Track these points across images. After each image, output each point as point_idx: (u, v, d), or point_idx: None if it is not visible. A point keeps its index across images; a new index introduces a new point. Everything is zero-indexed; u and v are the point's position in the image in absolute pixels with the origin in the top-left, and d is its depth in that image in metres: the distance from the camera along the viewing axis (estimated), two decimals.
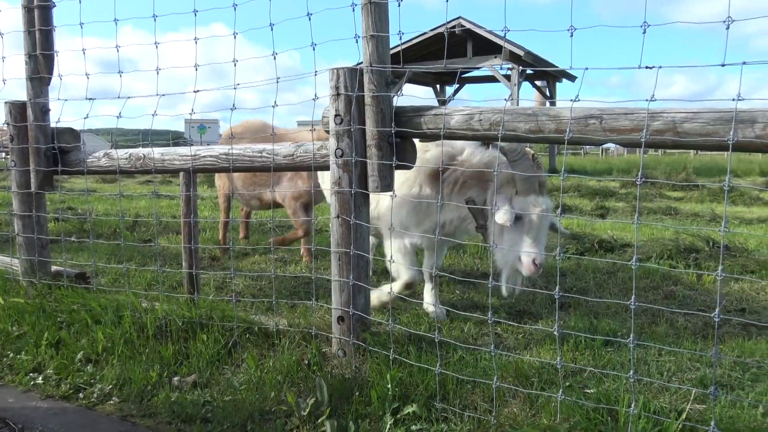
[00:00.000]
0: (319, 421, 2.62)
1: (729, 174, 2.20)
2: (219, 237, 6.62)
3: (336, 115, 3.06)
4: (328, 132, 3.16)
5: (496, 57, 19.28)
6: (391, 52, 3.10)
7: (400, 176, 3.61)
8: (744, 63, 2.15)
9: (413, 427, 2.56)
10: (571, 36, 2.42)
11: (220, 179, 6.39)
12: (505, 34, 2.63)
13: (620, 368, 3.08)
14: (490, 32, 18.56)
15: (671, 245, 5.98)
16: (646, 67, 2.31)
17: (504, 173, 3.38)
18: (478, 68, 20.63)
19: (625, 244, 6.35)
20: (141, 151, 4.01)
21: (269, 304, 4.14)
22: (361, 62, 3.07)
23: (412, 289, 3.94)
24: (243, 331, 3.46)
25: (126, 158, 4.02)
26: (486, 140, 3.14)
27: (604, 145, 2.99)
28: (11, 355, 3.55)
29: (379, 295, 3.77)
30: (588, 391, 2.74)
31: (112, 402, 2.99)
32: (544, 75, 22.92)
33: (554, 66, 20.23)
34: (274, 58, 3.35)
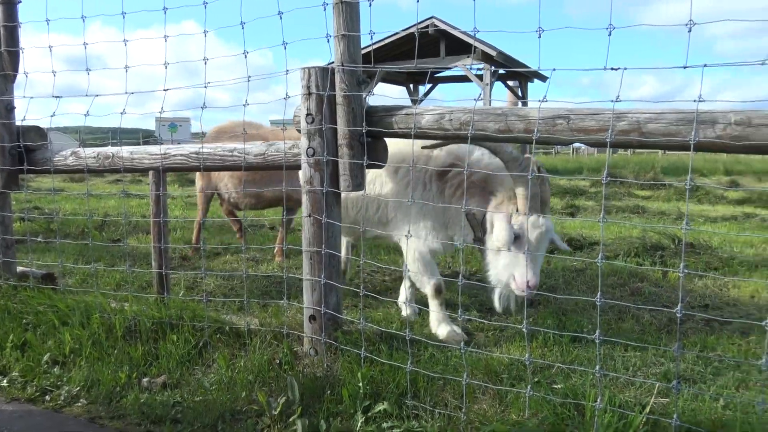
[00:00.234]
0: (291, 420, 2.62)
1: (690, 173, 2.26)
2: (193, 237, 6.42)
3: (308, 114, 3.06)
4: (299, 131, 3.16)
5: (468, 57, 19.39)
6: (365, 51, 3.12)
7: (404, 179, 3.62)
8: (705, 65, 2.21)
9: (384, 425, 2.58)
10: (539, 37, 2.47)
11: (201, 179, 6.06)
12: (474, 34, 2.67)
13: (587, 364, 3.14)
14: (463, 32, 18.67)
15: (638, 243, 6.11)
16: (612, 69, 2.36)
17: (506, 188, 3.30)
18: (450, 68, 20.71)
19: (593, 242, 6.46)
20: (109, 149, 3.96)
21: (241, 304, 4.12)
22: (333, 61, 3.08)
23: (443, 293, 3.76)
24: (214, 331, 3.44)
25: (94, 157, 3.96)
26: (456, 140, 3.13)
27: (575, 145, 3.03)
28: None
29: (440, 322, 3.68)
30: (556, 386, 2.79)
31: (79, 404, 2.95)
32: (516, 75, 23.12)
33: (525, 66, 20.42)
34: (245, 57, 3.34)
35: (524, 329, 2.49)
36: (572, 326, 3.76)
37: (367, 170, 3.17)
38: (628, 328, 3.83)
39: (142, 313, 3.57)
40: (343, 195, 3.23)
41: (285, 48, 3.14)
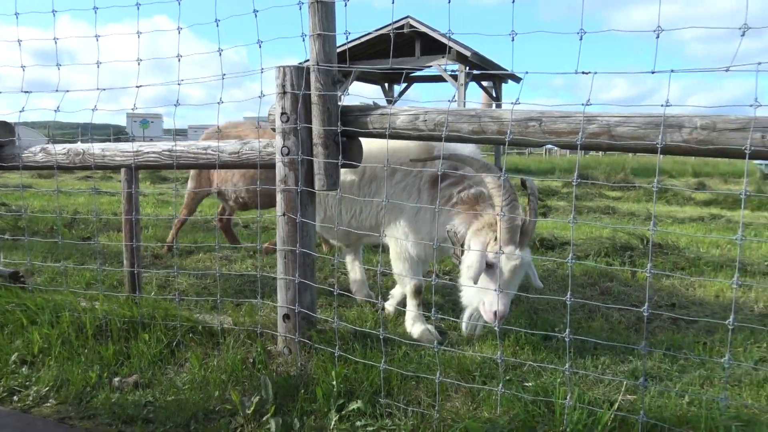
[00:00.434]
0: (264, 419, 2.62)
1: (657, 176, 2.32)
2: (170, 234, 6.20)
3: (282, 113, 3.06)
4: (274, 130, 3.16)
5: (443, 57, 19.48)
6: (340, 49, 3.12)
7: (400, 183, 3.60)
8: (672, 71, 2.27)
9: (358, 423, 2.60)
10: (513, 40, 2.50)
11: (196, 179, 5.68)
12: (449, 36, 2.69)
13: (558, 362, 3.20)
14: (437, 32, 18.75)
15: (608, 243, 6.22)
16: (583, 73, 2.41)
17: (491, 213, 3.22)
18: (425, 68, 20.79)
19: (565, 243, 6.56)
20: (80, 146, 3.90)
21: (214, 303, 4.10)
22: (308, 60, 3.08)
23: (422, 294, 3.79)
24: (187, 330, 3.42)
25: (64, 153, 3.90)
26: (431, 140, 3.14)
27: (547, 146, 3.06)
28: None
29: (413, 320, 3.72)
30: (527, 384, 2.83)
31: (49, 404, 2.91)
32: (490, 76, 23.31)
33: (500, 67, 20.60)
34: (220, 54, 3.32)
35: (496, 327, 2.53)
36: (543, 325, 3.81)
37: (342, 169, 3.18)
38: (598, 326, 3.90)
39: (113, 312, 3.53)
40: (335, 198, 3.20)
41: (260, 46, 3.13)
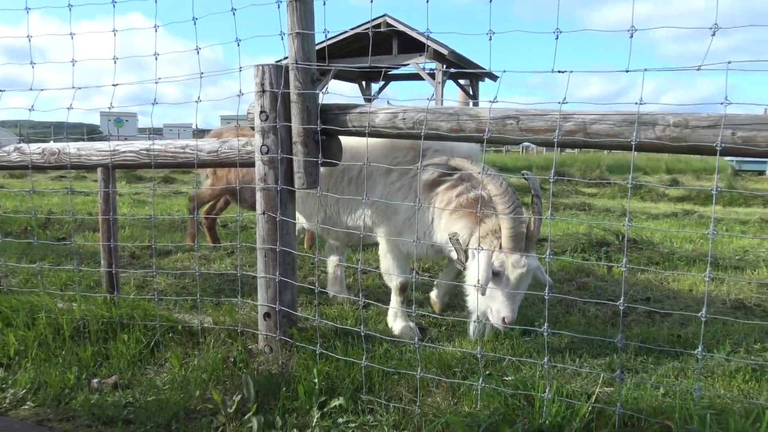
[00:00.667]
0: (246, 417, 2.62)
1: (632, 172, 2.37)
2: (187, 236, 6.23)
3: (261, 112, 3.05)
4: (253, 128, 3.15)
5: (420, 55, 19.54)
6: (318, 47, 3.12)
7: (395, 183, 3.56)
8: (645, 70, 2.32)
9: (340, 420, 2.61)
10: (490, 39, 2.53)
11: (212, 177, 5.68)
12: (427, 36, 2.72)
13: (536, 356, 3.24)
14: (414, 30, 18.81)
15: (584, 239, 6.31)
16: (559, 71, 2.45)
17: (492, 220, 3.17)
18: (403, 66, 20.83)
19: (542, 239, 6.62)
20: (55, 145, 3.85)
21: (193, 302, 4.08)
22: (286, 57, 3.08)
23: (407, 292, 3.77)
24: (166, 330, 3.40)
25: (39, 153, 3.85)
26: (410, 138, 3.15)
27: (524, 143, 3.08)
28: None
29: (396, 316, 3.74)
30: (507, 378, 2.87)
31: (26, 407, 2.87)
32: (467, 74, 23.43)
33: (477, 65, 20.71)
34: (198, 53, 3.30)
35: (476, 323, 2.56)
36: (522, 320, 3.86)
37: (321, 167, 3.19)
38: (575, 321, 3.96)
39: (90, 312, 3.50)
40: (335, 198, 3.15)
41: (238, 45, 3.12)
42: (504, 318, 3.07)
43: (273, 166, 3.08)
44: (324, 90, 3.11)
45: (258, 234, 3.19)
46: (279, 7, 2.99)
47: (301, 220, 4.21)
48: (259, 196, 3.15)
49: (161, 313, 3.51)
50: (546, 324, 2.44)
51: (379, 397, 2.73)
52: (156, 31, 3.40)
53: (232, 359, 3.11)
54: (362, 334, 2.84)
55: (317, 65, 3.06)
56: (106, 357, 3.27)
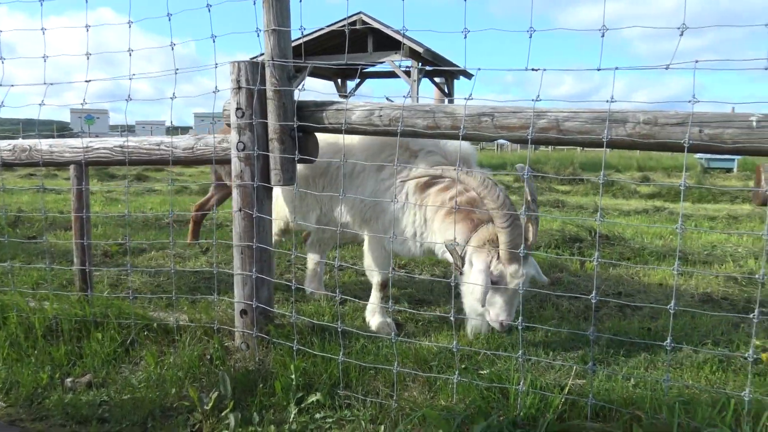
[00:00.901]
0: (223, 414, 2.62)
1: (603, 169, 2.42)
2: (189, 233, 6.22)
3: (237, 109, 3.05)
4: (229, 125, 3.15)
5: (396, 53, 19.58)
6: (294, 44, 3.12)
7: (386, 181, 3.52)
8: (616, 68, 2.37)
9: (317, 415, 2.63)
10: (465, 37, 2.57)
11: (215, 173, 5.72)
12: (403, 34, 2.74)
13: (511, 350, 3.29)
14: (389, 27, 18.83)
15: (558, 235, 6.40)
16: (533, 69, 2.49)
17: (489, 228, 3.15)
18: (379, 63, 20.84)
19: None
20: (26, 142, 3.79)
21: (169, 300, 4.04)
22: (262, 54, 3.07)
23: (387, 288, 3.77)
24: (141, 328, 3.38)
25: (9, 150, 3.79)
26: (386, 135, 3.15)
27: (499, 141, 3.09)
28: None
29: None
30: (482, 372, 2.92)
31: None
32: (442, 72, 23.53)
33: (452, 63, 20.78)
34: (172, 49, 3.28)
35: (452, 318, 2.60)
36: None
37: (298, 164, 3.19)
38: (549, 315, 4.02)
39: (63, 311, 3.46)
40: (330, 195, 3.14)
41: (214, 41, 3.11)
42: (502, 321, 3.09)
43: (249, 163, 3.08)
44: (300, 87, 3.11)
45: (234, 231, 3.18)
46: (255, 3, 2.98)
47: (291, 218, 4.17)
48: (235, 193, 3.15)
49: (136, 311, 3.48)
50: (521, 318, 2.48)
51: (356, 392, 2.75)
52: (130, 26, 3.37)
53: (209, 356, 3.10)
54: (339, 330, 2.86)
55: (293, 62, 3.06)
56: (79, 356, 3.23)
